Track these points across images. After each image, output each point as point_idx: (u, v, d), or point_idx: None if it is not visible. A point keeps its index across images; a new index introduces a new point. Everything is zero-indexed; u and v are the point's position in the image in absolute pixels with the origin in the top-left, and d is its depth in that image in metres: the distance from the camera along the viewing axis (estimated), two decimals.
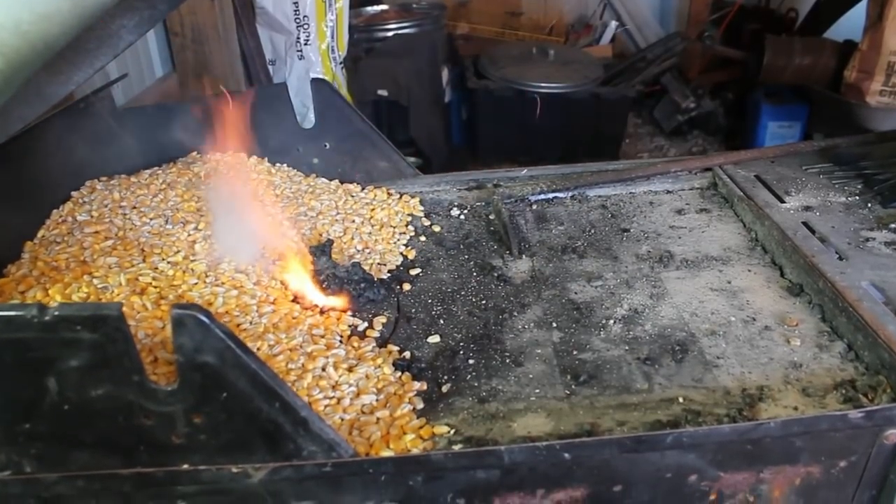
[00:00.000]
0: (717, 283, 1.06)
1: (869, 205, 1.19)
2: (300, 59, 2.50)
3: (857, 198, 1.22)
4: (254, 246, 1.05)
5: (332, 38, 2.57)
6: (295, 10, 2.43)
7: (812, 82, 3.01)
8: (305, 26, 2.48)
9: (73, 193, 1.17)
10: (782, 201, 1.21)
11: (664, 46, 3.57)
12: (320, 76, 2.37)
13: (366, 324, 1.00)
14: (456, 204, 1.34)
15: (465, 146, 3.40)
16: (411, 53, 2.84)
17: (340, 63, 2.64)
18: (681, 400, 0.85)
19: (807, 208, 1.19)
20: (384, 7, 3.29)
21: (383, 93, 2.78)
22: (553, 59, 3.19)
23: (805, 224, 1.13)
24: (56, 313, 0.64)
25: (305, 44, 2.50)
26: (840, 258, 1.04)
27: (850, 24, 2.99)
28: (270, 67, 2.53)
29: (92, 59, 1.01)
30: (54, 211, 1.12)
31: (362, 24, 3.04)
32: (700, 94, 3.52)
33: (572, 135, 3.08)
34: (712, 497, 0.82)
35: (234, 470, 0.73)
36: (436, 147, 2.97)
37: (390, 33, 3.01)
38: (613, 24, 3.79)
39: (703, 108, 3.52)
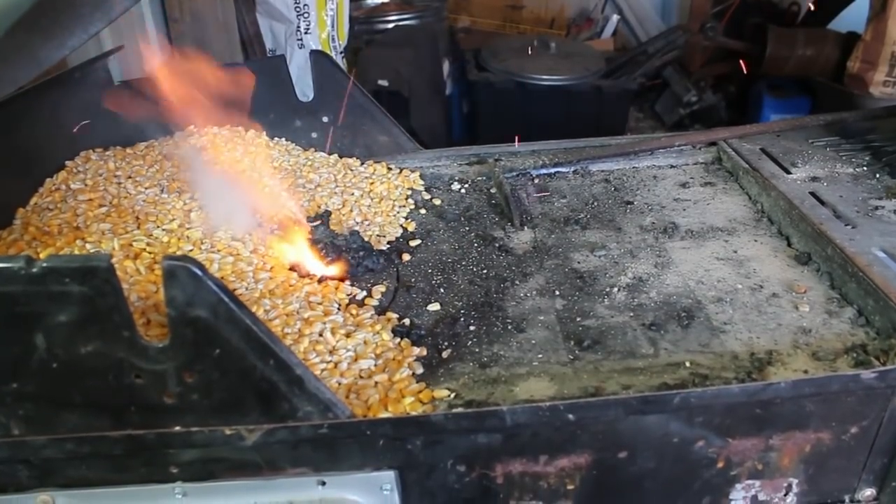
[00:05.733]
0: (723, 253, 1.04)
1: (877, 175, 1.17)
2: (300, 47, 2.49)
3: (865, 169, 1.20)
4: (251, 215, 1.04)
5: (333, 27, 2.56)
6: None
7: (815, 74, 2.99)
8: (305, 15, 2.47)
9: (68, 163, 1.15)
10: (789, 172, 1.19)
11: (666, 40, 3.55)
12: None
13: (364, 293, 0.98)
14: (457, 178, 1.32)
15: (465, 140, 3.38)
16: (412, 45, 2.82)
17: (341, 52, 2.63)
18: (687, 364, 0.83)
19: (814, 179, 1.17)
20: None
21: (384, 83, 2.77)
22: (554, 52, 3.17)
23: (812, 194, 1.11)
24: (44, 265, 0.62)
25: (306, 33, 2.49)
26: (849, 226, 1.02)
27: (852, 18, 2.97)
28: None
29: (86, 23, 0.99)
30: (48, 179, 1.10)
31: (363, 16, 3.03)
32: (702, 87, 3.49)
33: (573, 128, 3.06)
34: (720, 465, 0.79)
35: (228, 432, 0.70)
36: (436, 138, 2.95)
37: (391, 25, 3.00)
38: (615, 17, 3.78)
39: (704, 102, 3.50)
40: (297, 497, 0.75)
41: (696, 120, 3.59)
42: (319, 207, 1.13)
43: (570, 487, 0.79)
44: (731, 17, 3.47)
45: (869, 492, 0.83)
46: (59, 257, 0.63)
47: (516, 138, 1.35)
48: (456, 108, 3.39)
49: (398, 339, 0.88)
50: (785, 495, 0.83)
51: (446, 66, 3.21)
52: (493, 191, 1.27)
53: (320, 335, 0.85)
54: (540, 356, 0.85)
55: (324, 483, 0.75)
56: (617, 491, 0.80)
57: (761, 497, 0.82)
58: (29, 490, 0.74)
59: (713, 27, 3.25)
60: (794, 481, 0.82)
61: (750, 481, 0.81)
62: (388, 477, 0.75)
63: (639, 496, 0.81)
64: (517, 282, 1.00)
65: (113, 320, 0.64)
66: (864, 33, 2.66)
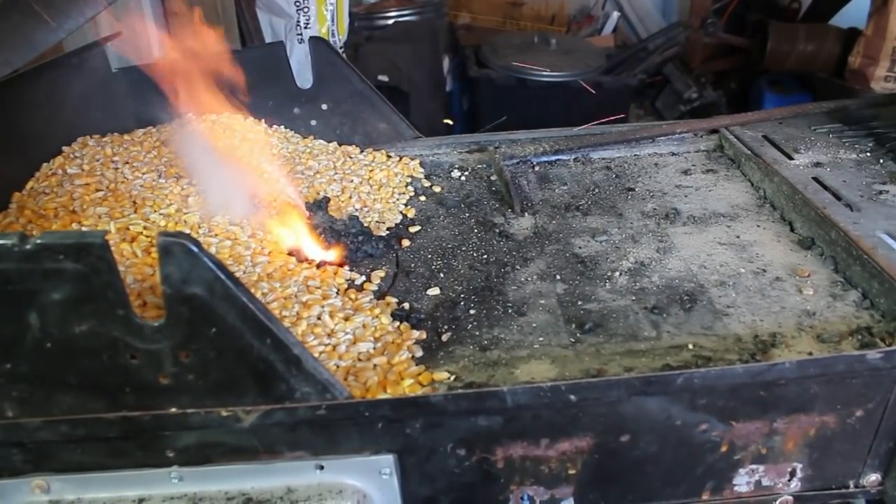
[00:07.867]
0: (726, 238, 1.03)
1: (881, 161, 1.16)
2: (300, 42, 2.48)
3: (869, 154, 1.19)
4: (249, 200, 1.03)
5: (333, 21, 2.55)
6: None
7: (816, 69, 2.98)
8: (305, 10, 2.46)
9: (65, 148, 1.14)
10: (791, 158, 1.18)
11: (666, 36, 3.54)
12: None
13: (363, 277, 0.97)
14: (457, 166, 1.31)
15: None
16: (412, 40, 2.81)
17: (341, 47, 2.62)
18: (690, 346, 0.82)
19: (817, 165, 1.16)
20: None
21: (384, 78, 2.76)
22: (555, 48, 3.17)
23: (815, 179, 1.10)
24: (38, 242, 0.61)
25: (305, 27, 2.48)
26: (853, 210, 1.01)
27: (853, 13, 2.96)
28: None
29: (82, 6, 0.98)
30: (44, 164, 1.09)
31: (363, 13, 3.02)
32: (702, 83, 3.48)
33: (573, 124, 3.05)
34: (723, 449, 0.78)
35: (224, 413, 0.69)
36: (437, 135, 2.94)
37: (391, 21, 3.00)
38: (615, 14, 3.78)
39: (705, 98, 3.49)
40: (295, 481, 0.74)
41: (697, 116, 3.58)
42: (318, 194, 1.13)
43: (571, 472, 0.78)
44: (732, 14, 3.46)
45: (874, 477, 0.82)
46: (53, 234, 0.62)
47: None
48: (456, 105, 3.38)
49: (397, 323, 0.87)
50: (789, 481, 0.82)
51: (446, 63, 3.21)
52: (493, 178, 1.26)
53: (318, 318, 0.84)
54: (541, 339, 0.84)
55: (322, 467, 0.74)
56: (619, 476, 0.79)
57: (765, 482, 0.81)
58: (23, 475, 0.73)
59: (714, 23, 3.24)
60: (799, 466, 0.81)
61: (754, 466, 0.80)
62: (387, 461, 0.74)
63: (641, 481, 0.80)
64: (518, 266, 0.99)
65: (108, 298, 0.63)
66: (865, 29, 2.65)
